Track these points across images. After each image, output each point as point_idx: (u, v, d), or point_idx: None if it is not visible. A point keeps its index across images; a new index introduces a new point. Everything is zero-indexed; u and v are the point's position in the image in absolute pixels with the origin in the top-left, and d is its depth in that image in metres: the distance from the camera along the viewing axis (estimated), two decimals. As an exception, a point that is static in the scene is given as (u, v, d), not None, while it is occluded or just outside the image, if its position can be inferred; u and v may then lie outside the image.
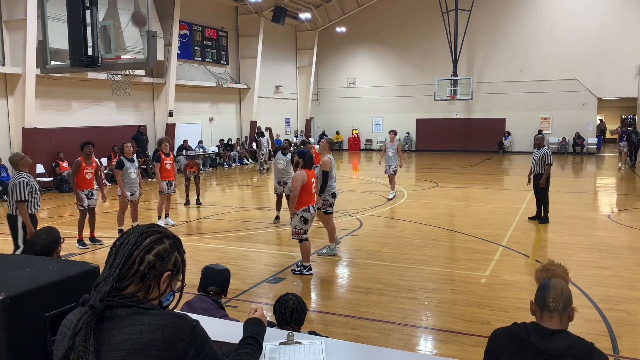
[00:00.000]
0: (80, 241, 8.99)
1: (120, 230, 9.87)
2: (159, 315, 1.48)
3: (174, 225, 10.72)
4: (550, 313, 2.17)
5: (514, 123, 28.32)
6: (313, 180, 7.34)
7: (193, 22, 22.94)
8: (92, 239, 9.26)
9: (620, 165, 20.43)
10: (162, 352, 1.43)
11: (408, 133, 30.86)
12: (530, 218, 10.72)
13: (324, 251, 8.35)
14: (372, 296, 6.43)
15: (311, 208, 7.30)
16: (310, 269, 7.37)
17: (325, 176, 8.08)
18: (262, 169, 21.27)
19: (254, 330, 1.83)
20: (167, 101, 20.79)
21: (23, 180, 6.47)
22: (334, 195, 8.35)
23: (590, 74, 26.03)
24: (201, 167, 21.12)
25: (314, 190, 7.41)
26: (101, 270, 1.62)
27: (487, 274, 7.24)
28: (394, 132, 13.81)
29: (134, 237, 1.54)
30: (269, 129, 12.83)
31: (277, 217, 10.93)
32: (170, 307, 1.67)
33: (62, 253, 3.58)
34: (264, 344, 1.90)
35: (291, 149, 11.02)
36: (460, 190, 15.58)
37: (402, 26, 29.73)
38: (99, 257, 8.40)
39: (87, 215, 9.08)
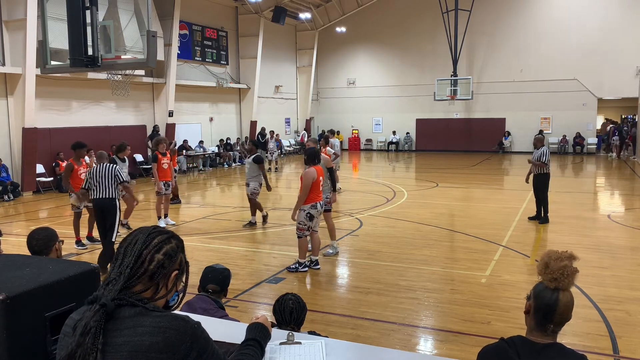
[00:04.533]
0: (79, 242, 9.00)
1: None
2: (161, 317, 1.48)
3: (174, 225, 10.72)
4: (546, 335, 2.02)
5: (514, 123, 28.33)
6: (321, 178, 7.39)
7: (193, 22, 22.95)
8: (90, 238, 9.27)
9: (614, 156, 25.19)
10: (163, 355, 1.43)
11: (408, 133, 30.86)
12: (530, 218, 10.72)
13: (330, 251, 8.24)
14: (372, 296, 6.43)
15: (318, 205, 7.34)
16: (305, 267, 7.38)
17: (332, 172, 8.11)
18: (276, 168, 21.53)
19: (256, 333, 1.84)
20: (167, 101, 20.79)
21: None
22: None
23: (590, 74, 26.03)
24: (184, 166, 21.01)
25: (321, 188, 7.44)
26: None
27: (487, 274, 7.24)
28: (332, 133, 14.77)
29: (142, 237, 1.57)
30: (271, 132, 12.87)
31: (250, 222, 10.54)
32: (175, 306, 1.68)
33: (62, 253, 3.58)
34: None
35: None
36: (460, 190, 15.58)
37: (402, 26, 29.74)
38: (96, 257, 8.38)
39: (89, 214, 9.13)
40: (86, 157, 16.90)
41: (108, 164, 7.64)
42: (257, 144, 10.86)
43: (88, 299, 1.50)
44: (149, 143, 19.23)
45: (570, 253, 2.05)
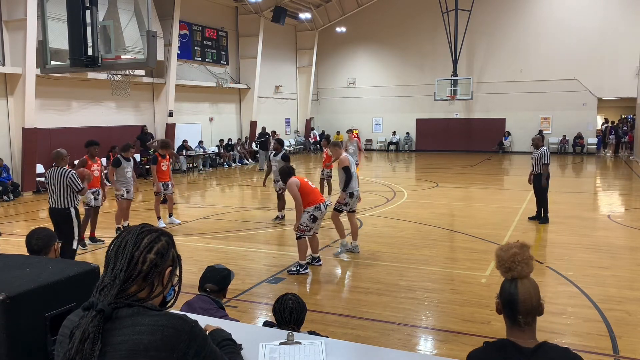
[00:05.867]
0: (81, 241, 8.98)
1: (118, 229, 9.92)
2: (159, 316, 1.49)
3: (179, 224, 10.77)
4: (522, 329, 2.00)
5: (514, 123, 28.33)
6: (306, 179, 7.47)
7: (193, 22, 22.95)
8: (93, 238, 9.28)
9: (610, 154, 26.74)
10: (162, 353, 1.43)
11: (408, 133, 30.86)
12: (530, 218, 10.71)
13: (339, 249, 8.24)
14: (372, 296, 6.43)
15: (322, 206, 7.32)
16: (306, 268, 7.37)
17: (347, 171, 8.03)
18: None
19: (222, 334, 1.87)
20: (167, 101, 20.79)
21: None
22: (351, 195, 8.19)
23: (590, 74, 26.04)
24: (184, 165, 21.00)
25: (313, 185, 7.48)
26: (101, 272, 1.62)
27: (487, 274, 7.24)
28: (351, 131, 16.05)
29: (132, 239, 1.56)
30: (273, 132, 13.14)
31: (278, 217, 10.98)
32: (171, 301, 1.68)
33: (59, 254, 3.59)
34: (264, 344, 1.91)
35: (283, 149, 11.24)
36: (460, 190, 15.58)
37: (402, 26, 29.74)
38: (99, 257, 8.40)
39: (93, 214, 9.16)
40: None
41: (65, 169, 7.03)
42: (282, 143, 11.55)
43: (83, 305, 1.49)
44: (136, 144, 19.27)
45: (520, 242, 2.06)
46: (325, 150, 13.45)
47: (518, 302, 2.00)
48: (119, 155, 9.82)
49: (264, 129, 23.19)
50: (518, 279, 2.03)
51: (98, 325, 1.43)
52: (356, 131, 32.27)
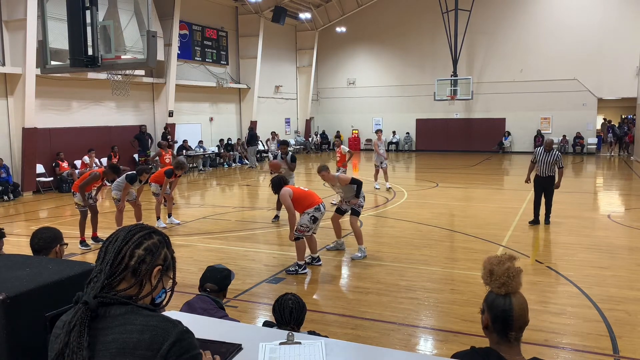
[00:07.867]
0: (83, 242, 9.00)
1: None
2: (151, 316, 1.49)
3: (179, 224, 10.78)
4: (511, 345, 1.95)
5: (514, 123, 28.33)
6: (297, 186, 7.55)
7: (193, 22, 22.95)
8: (95, 238, 9.29)
9: (610, 153, 27.12)
10: (148, 352, 1.43)
11: (408, 133, 30.86)
12: (531, 222, 10.39)
13: (359, 255, 8.07)
14: (372, 296, 6.43)
15: (321, 207, 7.34)
16: (305, 268, 7.37)
17: (355, 182, 7.90)
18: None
19: None
20: (167, 101, 20.80)
21: None
22: (363, 197, 8.13)
23: (590, 74, 26.04)
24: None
25: (306, 189, 7.53)
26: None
27: (487, 274, 7.23)
28: (381, 131, 16.86)
29: (122, 234, 1.56)
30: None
31: (277, 217, 10.99)
32: (162, 304, 1.66)
33: (62, 255, 3.58)
34: (263, 344, 1.91)
35: (289, 149, 11.29)
36: (460, 190, 15.58)
37: (402, 26, 29.74)
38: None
39: (90, 215, 9.16)
40: (85, 157, 17.00)
41: None
42: (287, 143, 11.80)
43: (73, 299, 1.49)
44: (134, 143, 19.23)
45: (509, 255, 2.01)
46: (337, 149, 14.12)
47: (513, 319, 1.94)
48: (135, 173, 9.66)
49: (251, 129, 23.49)
50: (511, 294, 1.97)
51: (83, 317, 1.43)
52: (356, 131, 32.33)
